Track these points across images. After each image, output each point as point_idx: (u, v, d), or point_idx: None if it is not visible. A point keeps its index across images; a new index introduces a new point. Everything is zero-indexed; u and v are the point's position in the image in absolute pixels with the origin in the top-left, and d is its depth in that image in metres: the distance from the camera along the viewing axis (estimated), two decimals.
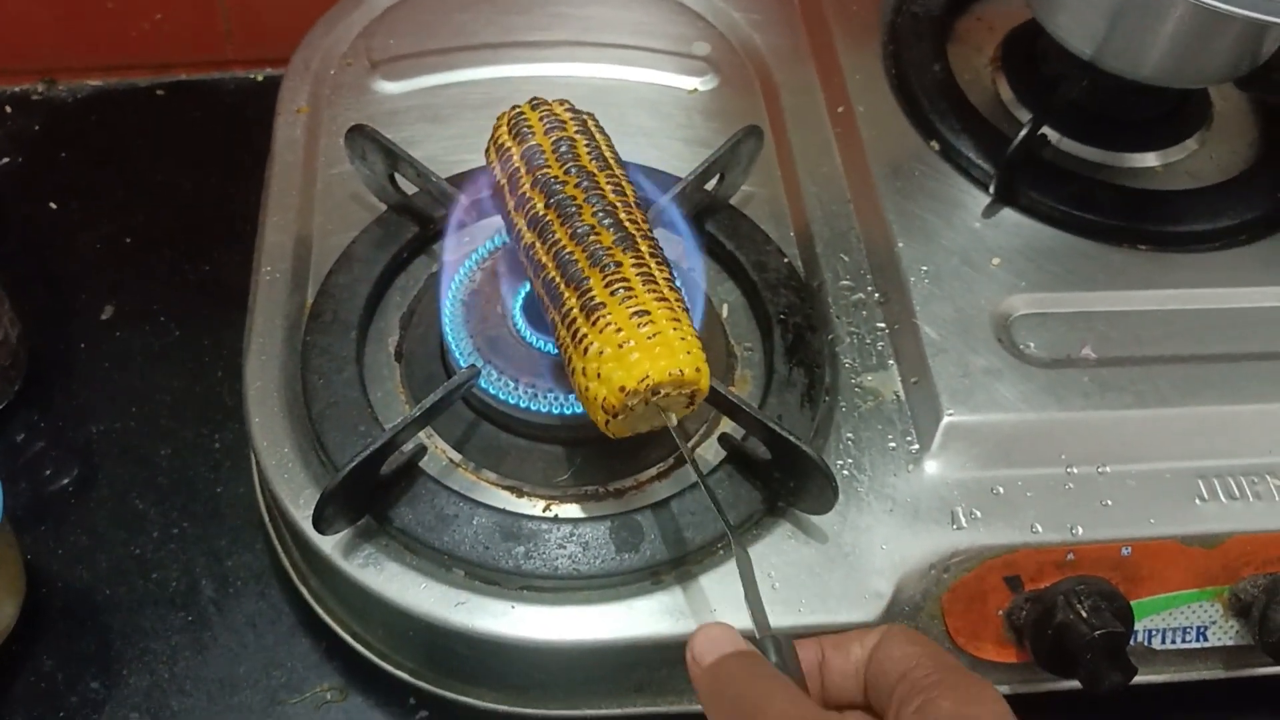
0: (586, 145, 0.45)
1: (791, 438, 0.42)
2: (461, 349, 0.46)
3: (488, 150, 0.47)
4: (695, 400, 0.40)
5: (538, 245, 0.42)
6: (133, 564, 0.53)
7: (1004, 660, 0.46)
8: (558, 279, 0.41)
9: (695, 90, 0.61)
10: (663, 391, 0.39)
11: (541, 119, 0.45)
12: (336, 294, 0.49)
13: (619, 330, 0.39)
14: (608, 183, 0.43)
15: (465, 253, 0.49)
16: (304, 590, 0.48)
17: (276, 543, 0.50)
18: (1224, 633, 0.47)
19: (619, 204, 0.43)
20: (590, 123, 0.46)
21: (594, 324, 0.39)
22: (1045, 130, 0.56)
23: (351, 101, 0.58)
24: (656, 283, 0.40)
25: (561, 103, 0.47)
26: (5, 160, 0.68)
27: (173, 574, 0.52)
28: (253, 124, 0.70)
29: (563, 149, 0.44)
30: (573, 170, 0.43)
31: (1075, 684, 0.46)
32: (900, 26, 0.62)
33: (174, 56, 0.71)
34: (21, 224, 0.64)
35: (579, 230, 0.41)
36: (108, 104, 0.71)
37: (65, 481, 0.55)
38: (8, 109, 0.70)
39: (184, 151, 0.69)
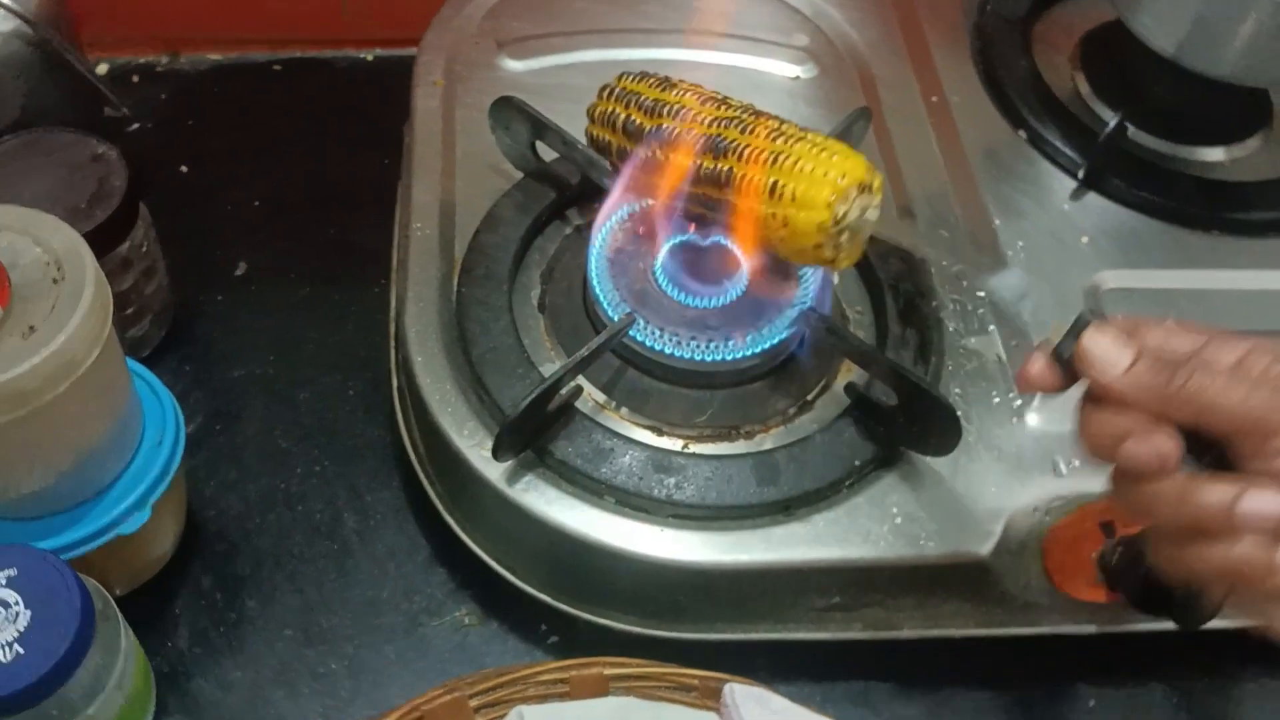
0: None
1: (922, 382, 0.46)
2: (610, 301, 0.50)
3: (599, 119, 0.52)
4: (874, 202, 0.46)
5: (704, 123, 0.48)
6: (279, 496, 0.57)
7: (1094, 600, 0.50)
8: (731, 134, 0.47)
9: (798, 78, 0.65)
10: (856, 196, 0.45)
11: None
12: (487, 250, 0.54)
13: (806, 148, 0.45)
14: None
15: (609, 214, 0.53)
16: (450, 519, 0.52)
17: (422, 476, 0.54)
18: None
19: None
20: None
21: (782, 143, 0.46)
22: (1126, 125, 0.60)
23: (482, 76, 0.63)
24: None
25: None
26: (136, 125, 0.72)
27: (317, 506, 0.56)
28: (365, 101, 0.75)
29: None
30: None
31: (1154, 626, 0.51)
32: (986, 26, 0.67)
33: (291, 33, 0.76)
34: (156, 184, 0.68)
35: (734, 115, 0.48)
36: (229, 77, 0.75)
37: (213, 419, 0.59)
38: (134, 79, 0.74)
39: (302, 124, 0.73)
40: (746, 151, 0.46)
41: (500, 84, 0.62)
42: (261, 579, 0.54)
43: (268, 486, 0.57)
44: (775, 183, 0.45)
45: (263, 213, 0.68)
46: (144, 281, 0.57)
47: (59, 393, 0.41)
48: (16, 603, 0.41)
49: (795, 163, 0.45)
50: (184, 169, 0.69)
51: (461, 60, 0.64)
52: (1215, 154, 0.64)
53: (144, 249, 0.56)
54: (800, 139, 0.46)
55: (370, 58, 0.77)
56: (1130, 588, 0.49)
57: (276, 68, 0.76)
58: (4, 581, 0.41)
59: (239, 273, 0.65)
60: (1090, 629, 0.51)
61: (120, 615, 0.45)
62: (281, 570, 0.54)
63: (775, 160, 0.46)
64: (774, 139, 0.46)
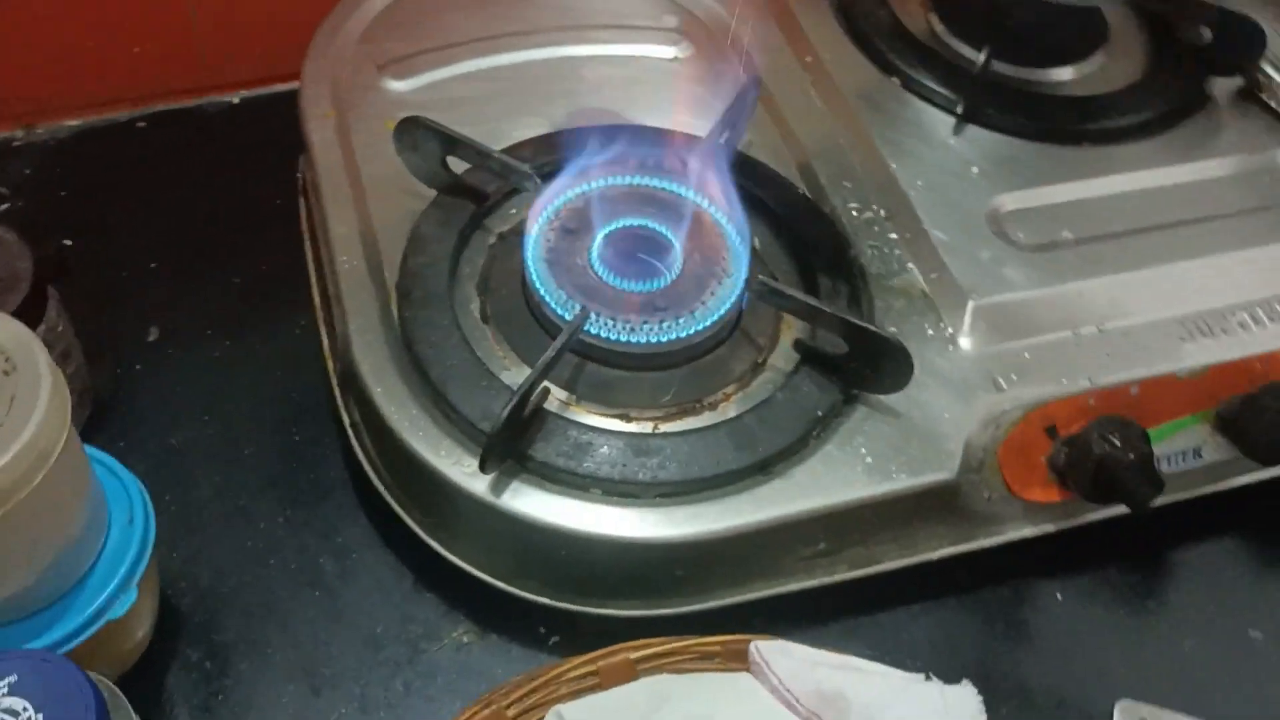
0: None
1: (871, 326, 0.49)
2: (557, 300, 0.51)
3: None
4: None
5: None
6: (249, 554, 0.56)
7: (1049, 500, 0.54)
8: None
9: (676, 59, 0.67)
10: None
11: None
12: (419, 272, 0.54)
13: None
14: None
15: (534, 217, 0.54)
16: (433, 542, 0.52)
17: (395, 505, 0.53)
18: (1214, 449, 0.56)
19: None
20: None
21: None
22: (992, 62, 0.64)
23: (370, 101, 0.62)
24: None
25: None
26: (5, 206, 0.68)
27: (290, 556, 0.56)
28: (239, 144, 0.74)
29: None
30: None
31: (1106, 514, 0.55)
32: None
33: (152, 88, 0.73)
34: (41, 263, 0.65)
35: None
36: (92, 141, 0.73)
37: (161, 492, 0.57)
38: None
39: (181, 176, 0.71)
40: None
41: (389, 106, 0.62)
42: (251, 640, 0.53)
43: (234, 548, 0.56)
44: None
45: (162, 274, 0.66)
46: (63, 364, 0.55)
47: (34, 486, 0.39)
48: (25, 709, 0.39)
49: None
50: (67, 242, 0.67)
51: (345, 87, 0.63)
52: (1066, 73, 0.68)
53: (59, 329, 0.54)
54: None
55: (237, 100, 0.75)
56: (1080, 482, 0.53)
57: (141, 124, 0.74)
58: (6, 690, 0.39)
59: (152, 339, 0.63)
60: (1050, 528, 0.55)
61: (128, 703, 0.43)
62: (269, 627, 0.53)
63: None
64: None
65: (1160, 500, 0.56)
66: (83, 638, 0.44)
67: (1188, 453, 0.56)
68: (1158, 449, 0.55)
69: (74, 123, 0.73)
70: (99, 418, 0.59)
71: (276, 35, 0.69)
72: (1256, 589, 0.57)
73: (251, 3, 0.72)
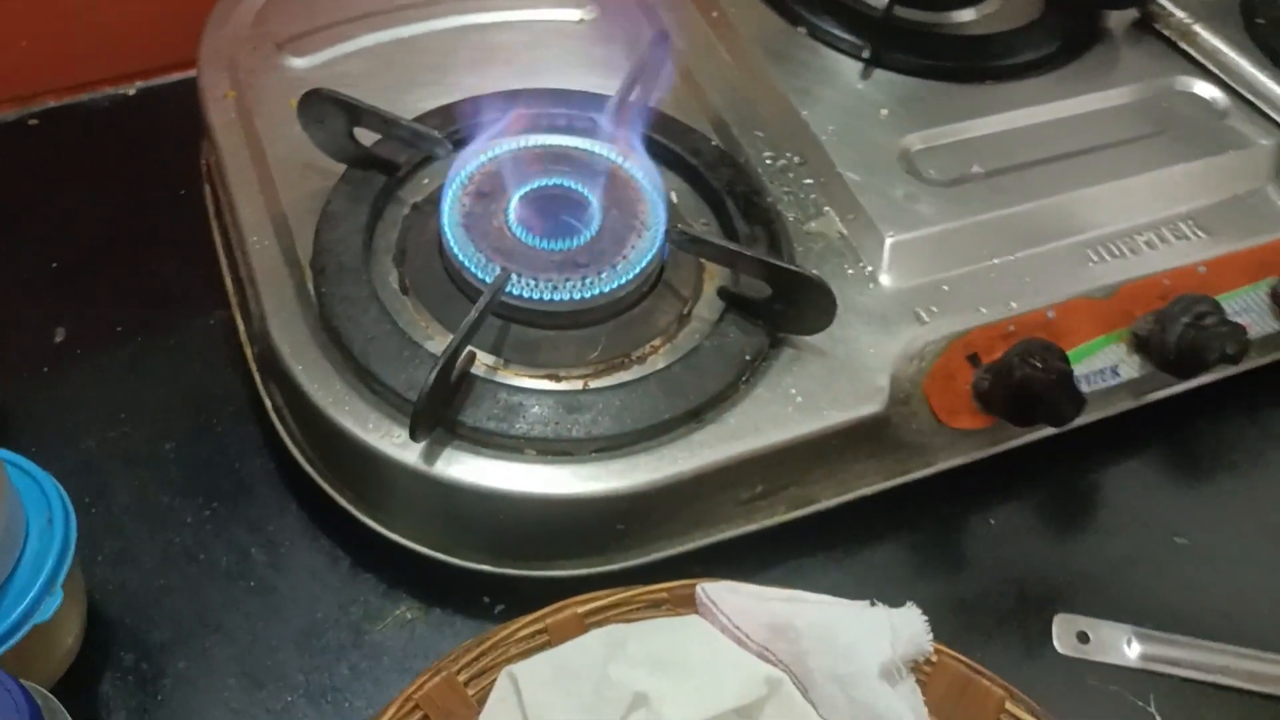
0: None
1: (792, 266, 0.49)
2: (476, 263, 0.50)
3: None
4: None
5: None
6: (177, 551, 0.54)
7: (977, 427, 0.55)
8: None
9: (581, 20, 0.67)
10: None
11: None
12: (333, 247, 0.53)
13: None
14: None
15: (447, 184, 0.53)
16: (368, 520, 0.52)
17: (327, 487, 0.52)
18: (1130, 367, 0.58)
19: None
20: None
21: None
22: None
23: (271, 80, 0.61)
24: None
25: None
26: None
27: (219, 551, 0.54)
28: (138, 136, 0.71)
29: None
30: None
31: (1032, 436, 0.57)
32: None
33: (38, 84, 0.71)
34: None
35: None
36: None
37: (80, 496, 0.55)
38: None
39: (78, 173, 0.69)
40: None
41: (291, 84, 0.61)
42: (186, 639, 0.52)
43: (161, 546, 0.54)
44: None
45: (64, 273, 0.64)
46: None
47: None
48: None
49: None
50: None
51: (244, 68, 0.61)
52: (968, 14, 0.69)
53: None
54: None
55: (133, 91, 0.73)
56: (1005, 406, 0.53)
57: (33, 122, 0.71)
58: None
59: (59, 340, 0.61)
60: (979, 454, 0.56)
61: (64, 709, 0.42)
62: (204, 624, 0.52)
63: None
64: None
65: (1082, 420, 0.57)
66: (9, 644, 0.42)
67: (1105, 371, 0.57)
68: (1077, 369, 0.56)
69: None
70: (7, 423, 0.57)
71: (171, 20, 0.67)
72: (1179, 498, 0.59)
73: None
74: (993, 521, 0.58)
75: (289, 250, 0.54)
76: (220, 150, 0.58)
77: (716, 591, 0.44)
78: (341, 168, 0.56)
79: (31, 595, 0.43)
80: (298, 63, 0.62)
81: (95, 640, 0.51)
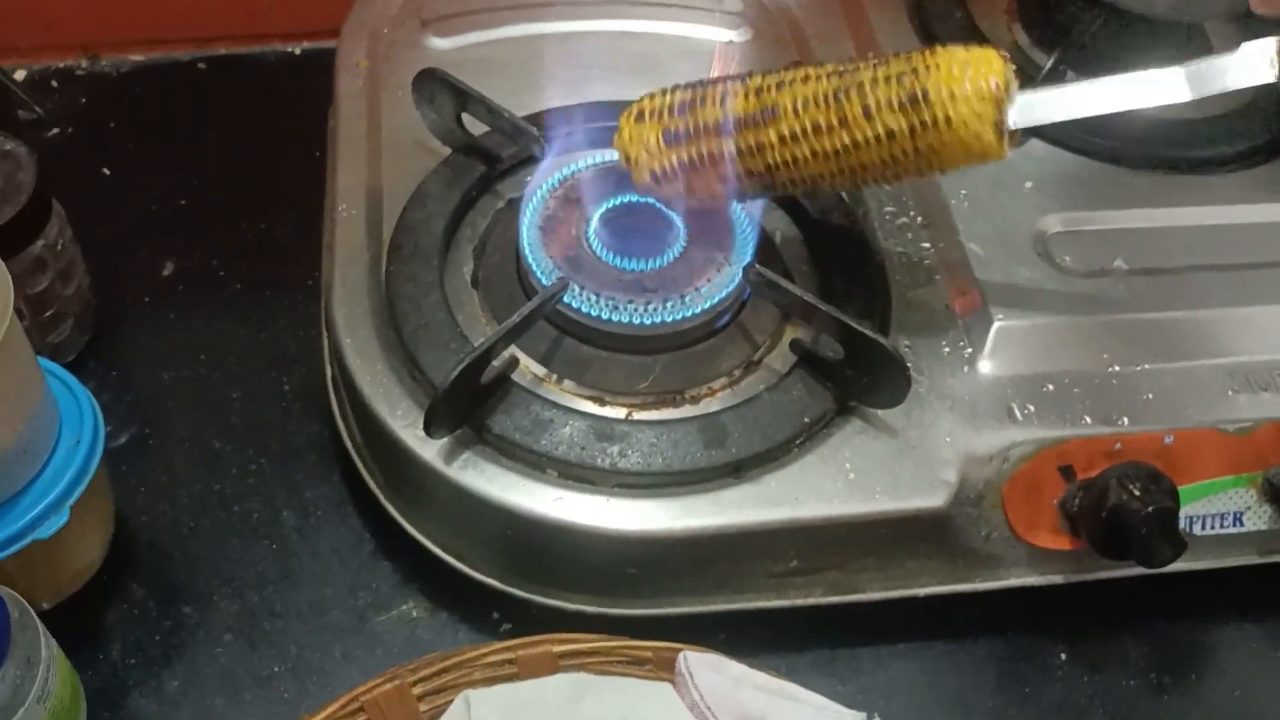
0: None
1: (868, 332, 0.45)
2: (543, 268, 0.48)
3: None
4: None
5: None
6: (214, 499, 0.54)
7: (1058, 548, 0.49)
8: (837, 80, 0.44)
9: (731, 42, 0.64)
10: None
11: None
12: (415, 227, 0.52)
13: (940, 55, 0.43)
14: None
15: (537, 183, 0.51)
16: (391, 508, 0.50)
17: (361, 466, 0.52)
18: (1258, 517, 0.50)
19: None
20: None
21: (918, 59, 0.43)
22: (1064, 69, 0.59)
23: (406, 56, 0.61)
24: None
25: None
26: (55, 131, 0.69)
27: (254, 506, 0.54)
28: (294, 95, 0.73)
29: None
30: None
31: (1123, 572, 0.50)
32: None
33: (215, 30, 0.74)
34: (78, 188, 0.66)
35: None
36: (151, 77, 0.73)
37: (143, 425, 0.56)
38: (54, 83, 0.72)
39: (230, 121, 0.71)
40: (855, 87, 0.43)
41: (426, 63, 0.60)
42: (198, 585, 0.52)
43: (201, 490, 0.55)
44: (918, 92, 0.42)
45: (189, 212, 0.66)
46: (61, 283, 0.55)
47: None
48: None
49: (923, 69, 0.43)
50: (106, 171, 0.67)
51: (385, 41, 0.62)
52: None
53: (59, 248, 0.54)
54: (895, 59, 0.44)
55: (298, 51, 0.75)
56: (1093, 532, 0.47)
57: (201, 66, 0.74)
58: None
59: (166, 273, 0.63)
60: (1057, 578, 0.50)
61: (40, 624, 0.42)
62: (219, 574, 0.52)
63: (894, 79, 0.43)
64: (874, 68, 0.44)
65: (1191, 566, 0.51)
66: (5, 553, 0.43)
67: (1227, 516, 0.50)
68: (1190, 509, 0.49)
69: (137, 57, 0.74)
70: (99, 342, 0.59)
71: None
72: None
73: None
74: (1063, 656, 0.52)
75: (375, 224, 0.53)
76: (339, 114, 0.58)
77: (697, 664, 0.40)
78: (448, 152, 0.55)
79: (38, 510, 0.44)
80: (438, 43, 0.62)
81: (115, 566, 0.52)
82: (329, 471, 0.55)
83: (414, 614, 0.51)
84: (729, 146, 0.45)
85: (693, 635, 0.48)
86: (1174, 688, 0.51)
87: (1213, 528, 0.50)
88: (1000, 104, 0.42)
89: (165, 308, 0.61)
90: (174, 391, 0.58)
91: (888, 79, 0.43)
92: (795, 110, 0.44)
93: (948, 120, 0.42)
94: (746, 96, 0.45)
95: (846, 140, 0.44)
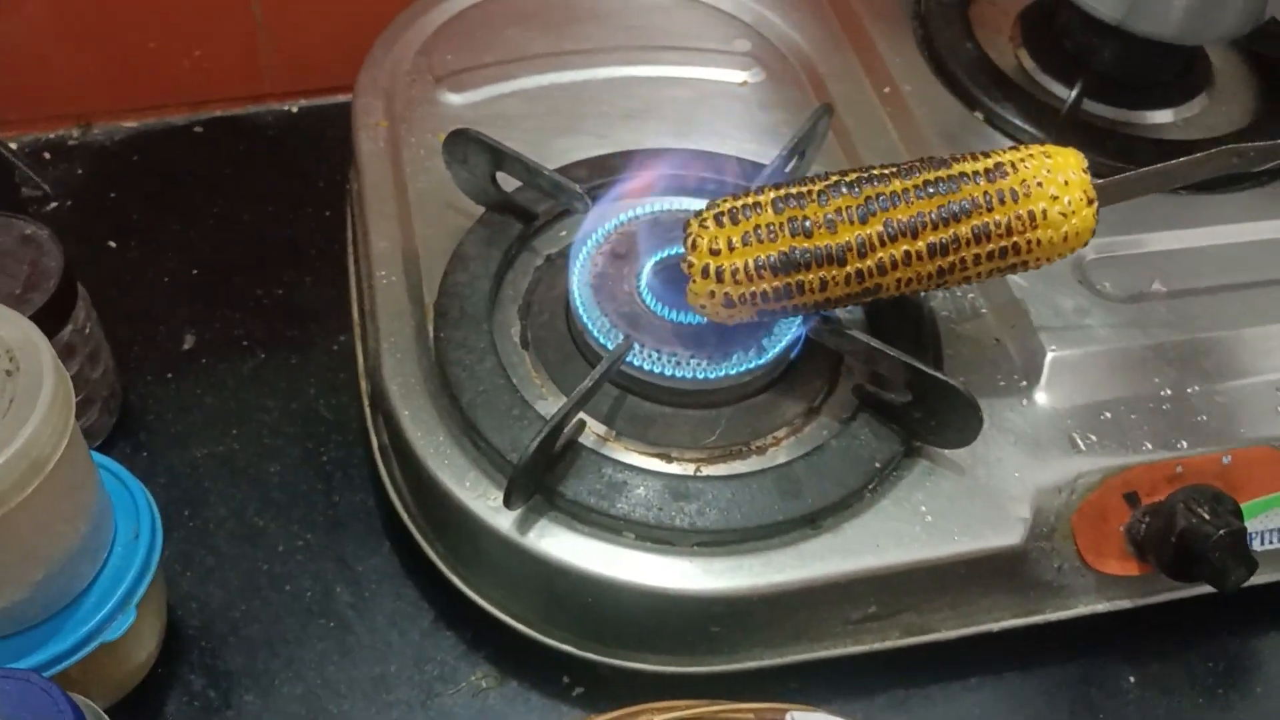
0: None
1: (937, 374, 0.45)
2: (600, 328, 0.48)
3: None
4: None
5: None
6: (263, 578, 0.53)
7: (1126, 574, 0.49)
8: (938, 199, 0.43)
9: (745, 83, 0.64)
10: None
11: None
12: (458, 291, 0.51)
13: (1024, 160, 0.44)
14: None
15: (584, 237, 0.51)
16: (454, 578, 0.49)
17: (419, 536, 0.50)
18: None
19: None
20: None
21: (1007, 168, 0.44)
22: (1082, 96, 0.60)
23: (424, 113, 0.60)
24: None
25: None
26: (54, 205, 0.67)
27: (305, 584, 0.53)
28: (296, 154, 0.72)
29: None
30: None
31: (1187, 592, 0.50)
32: (927, 13, 0.66)
33: (211, 93, 0.72)
34: (84, 264, 0.64)
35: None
36: (147, 144, 0.71)
37: (179, 506, 0.55)
38: (46, 155, 0.70)
39: (233, 184, 0.70)
40: (975, 205, 0.43)
41: (444, 119, 0.60)
42: (257, 670, 0.50)
43: (249, 570, 0.53)
44: (1035, 211, 0.43)
45: (203, 281, 0.64)
46: (89, 367, 0.53)
47: (26, 496, 0.37)
48: None
49: (1028, 183, 0.44)
50: (111, 244, 0.66)
51: (400, 99, 0.61)
52: (1165, 116, 0.64)
53: (87, 331, 0.53)
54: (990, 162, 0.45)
55: (295, 109, 0.74)
56: (1163, 557, 0.48)
57: (198, 129, 0.72)
58: None
59: (187, 347, 0.61)
60: (1125, 604, 0.50)
61: None
62: (277, 658, 0.51)
63: (1006, 198, 0.43)
64: (981, 179, 0.44)
65: (1254, 581, 0.51)
66: (74, 659, 0.41)
67: None
68: (1252, 525, 0.50)
69: (130, 124, 0.72)
70: (125, 424, 0.58)
71: (340, 45, 0.67)
72: None
73: (316, 12, 0.71)
74: (1132, 679, 0.52)
75: (415, 288, 0.52)
76: (363, 177, 0.57)
77: None
78: (480, 210, 0.55)
79: (105, 612, 0.42)
80: (454, 99, 0.61)
81: (169, 656, 0.50)
82: (378, 543, 0.54)
83: (483, 684, 0.50)
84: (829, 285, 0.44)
85: (764, 685, 0.47)
86: (1241, 703, 0.51)
87: (1273, 542, 0.51)
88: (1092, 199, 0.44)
89: (190, 382, 0.60)
90: (208, 470, 0.56)
91: (990, 193, 0.44)
92: (905, 235, 0.43)
93: (1058, 222, 0.44)
94: (848, 220, 0.43)
95: (954, 261, 0.44)
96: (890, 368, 0.47)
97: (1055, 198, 0.43)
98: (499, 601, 0.49)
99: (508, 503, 0.43)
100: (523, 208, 0.54)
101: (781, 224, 0.43)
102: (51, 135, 0.71)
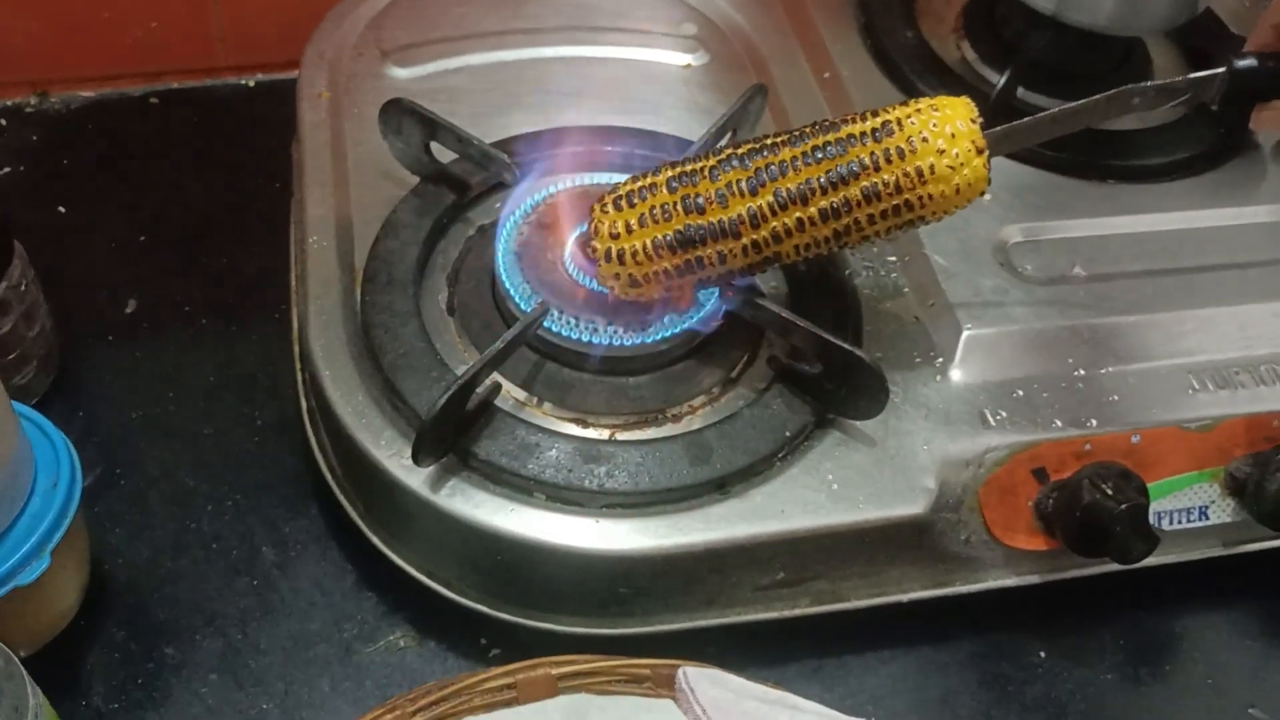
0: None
1: (846, 345, 0.46)
2: (520, 293, 0.48)
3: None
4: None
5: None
6: (191, 537, 0.54)
7: (1034, 549, 0.50)
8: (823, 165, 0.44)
9: (689, 65, 0.65)
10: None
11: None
12: (387, 257, 0.52)
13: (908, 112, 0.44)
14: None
15: (511, 209, 0.52)
16: (375, 539, 0.50)
17: (341, 497, 0.51)
18: (1222, 510, 0.52)
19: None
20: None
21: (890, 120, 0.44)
22: (1014, 84, 0.61)
23: (369, 86, 0.61)
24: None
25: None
26: (6, 170, 0.68)
27: (231, 543, 0.54)
28: (248, 127, 0.73)
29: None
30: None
31: (1097, 569, 0.51)
32: (870, 1, 0.67)
33: (166, 64, 0.73)
34: (33, 228, 0.65)
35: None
36: (102, 113, 0.72)
37: (112, 465, 0.56)
38: (2, 121, 0.71)
39: (185, 155, 0.70)
40: (863, 166, 0.44)
41: (388, 93, 0.60)
42: (179, 625, 0.51)
43: (177, 529, 0.54)
44: (923, 167, 0.43)
45: (149, 248, 0.65)
46: (25, 325, 0.54)
47: None
48: None
49: (914, 139, 0.44)
50: (62, 209, 0.66)
51: (346, 71, 0.62)
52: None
53: (22, 289, 0.53)
54: (878, 119, 0.45)
55: (252, 83, 0.75)
56: (1068, 531, 0.49)
57: (154, 100, 0.73)
58: None
59: (129, 310, 0.62)
60: (1034, 578, 0.51)
61: (26, 673, 0.42)
62: (200, 614, 0.51)
63: (893, 156, 0.44)
64: (867, 141, 0.44)
65: (1162, 560, 0.52)
66: None
67: (1193, 511, 0.52)
68: (1159, 505, 0.51)
69: (88, 94, 0.73)
70: (63, 384, 0.58)
71: (293, 19, 0.68)
72: (1260, 663, 0.53)
73: None
74: (1042, 654, 0.53)
75: (346, 255, 0.53)
76: (303, 146, 0.58)
77: (697, 679, 0.41)
78: (416, 181, 0.55)
79: (17, 557, 0.43)
80: (399, 73, 0.62)
81: (93, 610, 0.51)
82: (306, 504, 0.55)
83: (401, 644, 0.51)
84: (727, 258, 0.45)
85: (682, 651, 0.48)
86: (1150, 678, 0.52)
87: (1180, 522, 0.52)
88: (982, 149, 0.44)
89: (130, 345, 0.60)
90: (143, 429, 0.57)
91: (876, 153, 0.44)
92: (795, 203, 0.44)
93: (947, 176, 0.44)
94: (738, 193, 0.44)
95: (848, 223, 0.45)
96: (803, 340, 0.47)
97: (942, 151, 0.44)
98: (417, 563, 0.50)
99: (416, 459, 0.44)
100: (457, 178, 0.55)
101: (675, 203, 0.44)
102: (9, 103, 0.72)
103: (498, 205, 0.56)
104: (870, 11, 0.67)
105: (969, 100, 0.45)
